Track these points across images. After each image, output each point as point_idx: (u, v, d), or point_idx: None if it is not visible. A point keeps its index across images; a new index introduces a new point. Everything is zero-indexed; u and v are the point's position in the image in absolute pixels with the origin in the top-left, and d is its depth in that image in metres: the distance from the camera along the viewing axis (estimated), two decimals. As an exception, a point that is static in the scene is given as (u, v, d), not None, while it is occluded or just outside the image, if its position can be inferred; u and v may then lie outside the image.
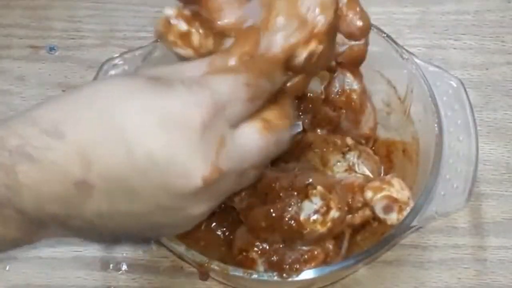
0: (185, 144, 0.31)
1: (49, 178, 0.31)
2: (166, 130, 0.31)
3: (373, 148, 0.55)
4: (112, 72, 0.53)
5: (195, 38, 0.38)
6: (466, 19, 0.70)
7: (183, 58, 0.39)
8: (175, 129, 0.31)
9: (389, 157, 0.55)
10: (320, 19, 0.36)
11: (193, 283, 0.54)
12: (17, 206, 0.31)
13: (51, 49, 0.68)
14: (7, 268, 0.55)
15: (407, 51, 0.53)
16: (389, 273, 0.55)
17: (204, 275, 0.52)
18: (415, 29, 0.69)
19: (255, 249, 0.45)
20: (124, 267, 0.55)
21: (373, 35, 0.49)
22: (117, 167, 0.31)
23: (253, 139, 0.35)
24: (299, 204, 0.43)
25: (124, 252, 0.56)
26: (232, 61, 0.35)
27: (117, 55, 0.54)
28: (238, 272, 0.43)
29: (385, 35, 0.53)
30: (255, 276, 0.43)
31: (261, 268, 0.45)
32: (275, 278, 0.43)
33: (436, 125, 0.48)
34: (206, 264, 0.44)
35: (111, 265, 0.55)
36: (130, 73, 0.42)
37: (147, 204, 0.33)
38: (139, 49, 0.53)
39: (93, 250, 0.56)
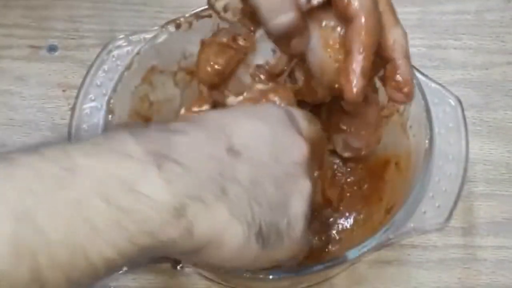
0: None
1: (201, 144, 0.36)
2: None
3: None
4: (115, 52, 0.53)
5: None
6: (466, 19, 0.70)
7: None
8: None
9: (382, 175, 0.55)
10: None
11: (193, 283, 0.54)
12: (177, 160, 0.34)
13: (51, 49, 0.68)
14: (7, 268, 0.55)
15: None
16: (389, 273, 0.55)
17: (177, 263, 0.52)
18: (415, 29, 0.69)
19: None
20: (124, 267, 0.55)
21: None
22: (254, 140, 0.39)
23: None
24: None
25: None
26: None
27: (122, 36, 0.54)
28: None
29: None
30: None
31: None
32: (245, 274, 0.43)
33: (427, 141, 0.48)
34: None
35: (111, 265, 0.55)
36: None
37: (276, 171, 0.39)
38: (144, 33, 0.53)
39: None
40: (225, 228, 0.35)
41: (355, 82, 0.42)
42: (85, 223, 0.30)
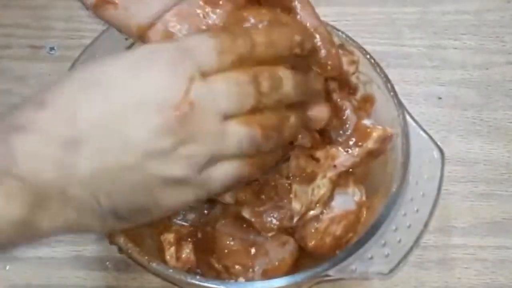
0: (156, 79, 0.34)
1: (39, 144, 0.33)
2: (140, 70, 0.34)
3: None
4: None
5: None
6: (466, 19, 0.70)
7: None
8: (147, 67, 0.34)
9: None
10: None
11: (193, 283, 0.54)
12: (15, 173, 0.32)
13: (51, 49, 0.68)
14: (7, 268, 0.55)
15: (401, 105, 0.50)
16: (389, 273, 0.55)
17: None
18: (415, 29, 0.69)
19: None
20: (124, 267, 0.55)
21: (374, 77, 0.49)
22: (100, 115, 0.33)
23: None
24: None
25: (124, 252, 0.56)
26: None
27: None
28: (177, 274, 0.42)
29: (384, 78, 0.50)
30: (191, 279, 0.42)
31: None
32: (207, 284, 0.42)
33: (394, 189, 0.46)
34: (148, 264, 0.43)
35: (111, 265, 0.55)
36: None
37: (133, 152, 0.34)
38: None
39: (92, 250, 0.56)
40: (77, 226, 0.35)
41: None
42: None
